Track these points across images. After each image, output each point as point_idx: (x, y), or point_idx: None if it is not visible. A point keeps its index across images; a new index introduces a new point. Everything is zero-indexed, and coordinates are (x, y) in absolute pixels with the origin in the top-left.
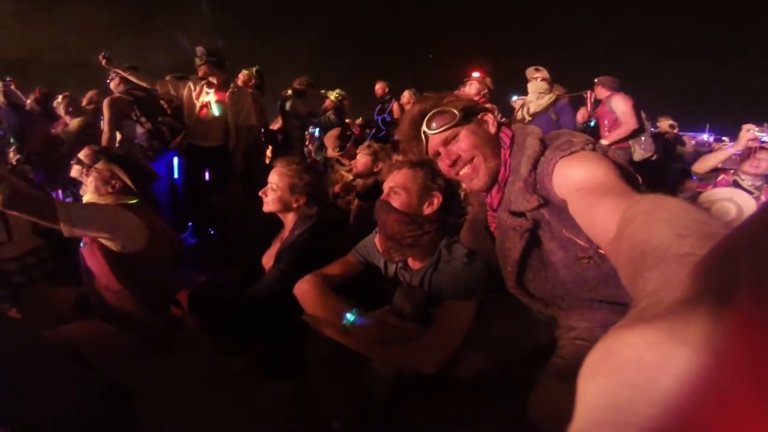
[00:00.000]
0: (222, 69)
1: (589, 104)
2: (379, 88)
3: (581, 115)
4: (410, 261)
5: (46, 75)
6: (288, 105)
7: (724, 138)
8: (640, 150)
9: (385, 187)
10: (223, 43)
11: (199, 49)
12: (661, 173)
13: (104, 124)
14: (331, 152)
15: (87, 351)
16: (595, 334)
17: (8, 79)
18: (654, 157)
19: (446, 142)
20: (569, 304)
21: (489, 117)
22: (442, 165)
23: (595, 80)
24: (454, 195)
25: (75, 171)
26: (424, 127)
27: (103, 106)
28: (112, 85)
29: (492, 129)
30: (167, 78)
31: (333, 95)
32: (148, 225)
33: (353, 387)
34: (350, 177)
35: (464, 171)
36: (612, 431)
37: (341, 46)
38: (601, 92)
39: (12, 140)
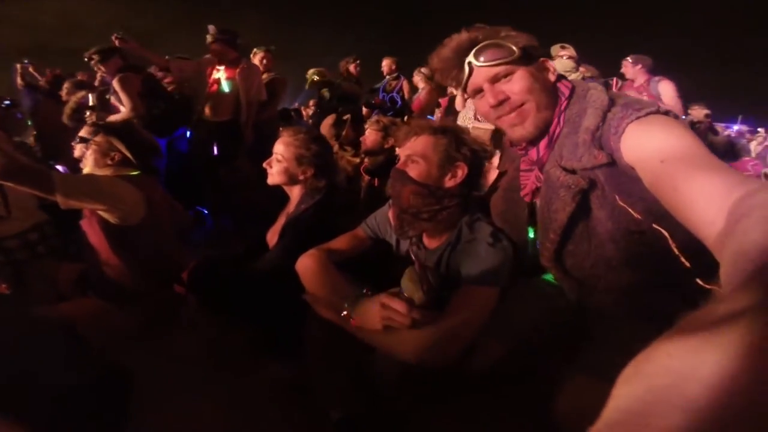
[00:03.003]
0: (233, 47)
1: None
2: (386, 64)
3: None
4: (426, 239)
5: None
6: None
7: (759, 129)
8: None
9: (402, 154)
10: (253, 24)
11: (211, 27)
12: None
13: (125, 101)
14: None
15: (85, 329)
16: (633, 325)
17: (26, 62)
18: None
19: (495, 80)
20: (607, 285)
21: (550, 64)
22: (482, 104)
23: (630, 58)
24: (480, 167)
25: (78, 150)
26: (470, 58)
27: (116, 86)
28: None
29: (552, 77)
30: (176, 57)
31: (314, 76)
32: (148, 197)
33: (355, 375)
34: (356, 161)
35: (509, 116)
36: None
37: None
38: (639, 73)
39: (29, 122)
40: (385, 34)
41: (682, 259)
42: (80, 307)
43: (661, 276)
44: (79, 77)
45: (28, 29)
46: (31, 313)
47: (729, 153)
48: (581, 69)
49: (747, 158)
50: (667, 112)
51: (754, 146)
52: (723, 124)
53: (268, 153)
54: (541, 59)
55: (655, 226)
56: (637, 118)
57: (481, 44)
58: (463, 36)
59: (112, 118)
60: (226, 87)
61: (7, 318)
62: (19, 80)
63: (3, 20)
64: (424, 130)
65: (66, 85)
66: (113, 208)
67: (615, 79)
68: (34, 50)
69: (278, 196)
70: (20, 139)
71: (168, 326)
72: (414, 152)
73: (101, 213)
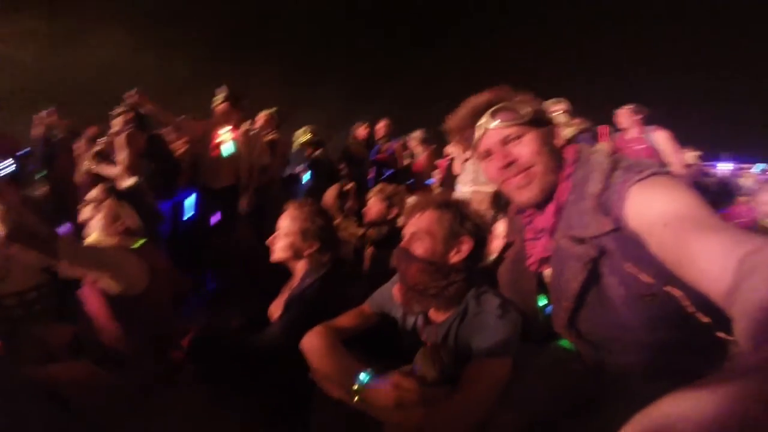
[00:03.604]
0: (240, 108)
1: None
2: (381, 127)
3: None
4: (432, 314)
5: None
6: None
7: (747, 165)
8: None
9: (406, 231)
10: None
11: (220, 89)
12: None
13: (121, 159)
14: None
15: (70, 392)
16: (653, 385)
17: (48, 110)
18: None
19: (505, 141)
20: (624, 346)
21: (558, 129)
22: (491, 167)
23: (631, 107)
24: (484, 239)
25: (85, 212)
26: (483, 119)
27: (118, 143)
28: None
29: (559, 142)
30: (186, 117)
31: (305, 137)
32: (151, 267)
33: None
34: (360, 232)
35: (516, 178)
36: None
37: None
38: (636, 123)
39: (39, 174)
40: (401, 99)
41: (699, 316)
42: (70, 370)
43: (680, 334)
44: (89, 132)
45: (64, 76)
46: (19, 374)
47: (723, 194)
48: (574, 121)
49: (741, 200)
50: (668, 172)
51: (744, 183)
52: (707, 164)
53: (268, 217)
54: (551, 125)
55: (666, 288)
56: (639, 180)
57: (495, 107)
58: (480, 98)
59: (105, 172)
60: (227, 151)
61: None
62: (35, 130)
63: (41, 68)
64: (428, 204)
65: (82, 142)
66: (117, 279)
67: (606, 126)
68: (71, 98)
69: (277, 265)
70: (28, 191)
71: (160, 395)
72: (419, 229)
73: (103, 283)
